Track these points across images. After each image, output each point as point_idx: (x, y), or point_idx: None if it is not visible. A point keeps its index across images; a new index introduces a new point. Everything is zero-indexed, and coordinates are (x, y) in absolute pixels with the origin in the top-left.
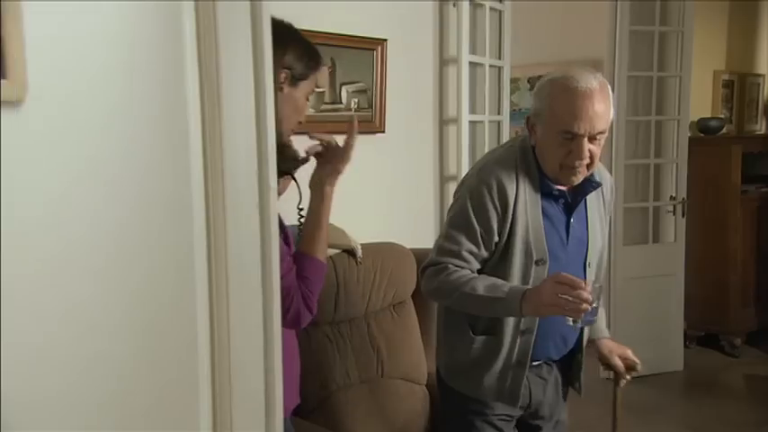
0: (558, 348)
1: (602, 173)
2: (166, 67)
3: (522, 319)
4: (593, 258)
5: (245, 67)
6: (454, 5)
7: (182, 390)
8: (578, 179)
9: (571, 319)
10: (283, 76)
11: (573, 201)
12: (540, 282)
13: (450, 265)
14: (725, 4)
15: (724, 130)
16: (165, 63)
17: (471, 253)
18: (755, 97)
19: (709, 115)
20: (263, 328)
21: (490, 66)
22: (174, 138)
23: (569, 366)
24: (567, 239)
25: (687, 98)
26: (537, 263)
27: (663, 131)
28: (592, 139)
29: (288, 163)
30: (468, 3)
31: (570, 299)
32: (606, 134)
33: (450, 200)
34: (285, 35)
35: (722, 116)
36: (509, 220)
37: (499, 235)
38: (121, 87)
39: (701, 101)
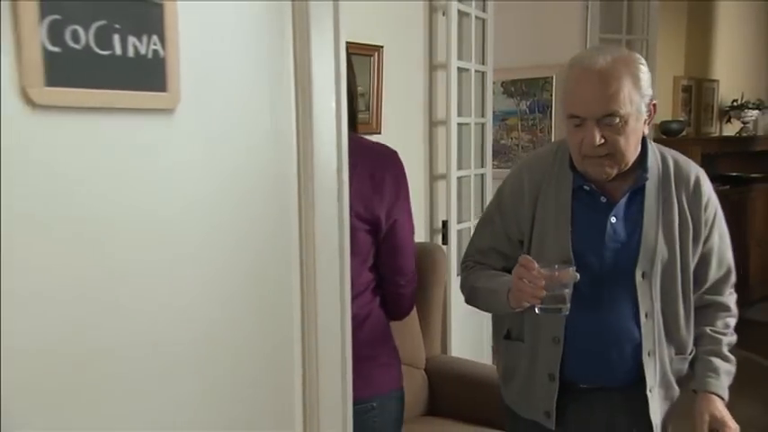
0: (599, 371)
1: (680, 171)
2: (274, 72)
3: (546, 325)
4: (648, 267)
5: (329, 66)
6: (443, 14)
7: (280, 375)
8: (607, 171)
9: (536, 307)
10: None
11: (617, 200)
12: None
13: (470, 261)
14: (683, 14)
15: (684, 133)
16: (275, 69)
17: (494, 249)
18: (711, 101)
19: (670, 118)
20: (340, 317)
21: (475, 71)
22: (280, 137)
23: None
24: (604, 242)
25: None
26: (562, 264)
27: None
28: (605, 124)
29: None
30: (456, 12)
31: (528, 282)
32: (635, 118)
33: (439, 197)
34: None
35: (682, 119)
36: (531, 219)
37: (523, 233)
38: (249, 93)
39: (662, 104)
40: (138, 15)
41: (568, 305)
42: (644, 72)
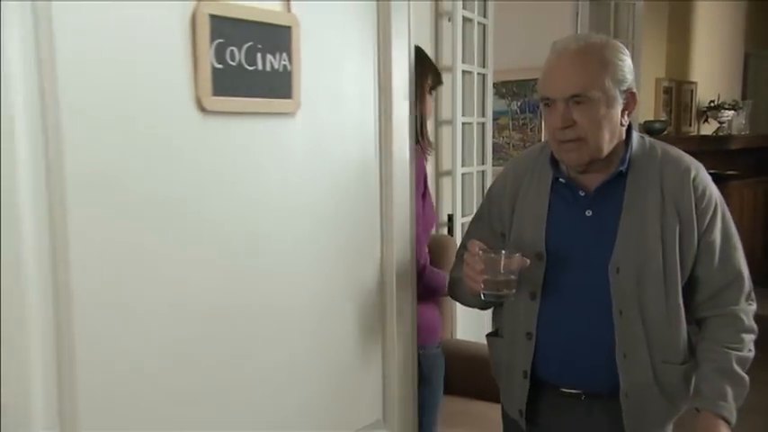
0: (573, 371)
1: (668, 164)
2: (362, 77)
3: (520, 321)
4: (623, 262)
5: (404, 69)
6: (449, 20)
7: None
8: (575, 157)
9: (481, 292)
10: (429, 82)
11: (591, 192)
12: (541, 278)
13: (457, 258)
14: (664, 18)
15: (665, 132)
16: (363, 74)
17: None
18: (689, 102)
19: (652, 118)
20: (411, 291)
21: (477, 73)
22: (366, 134)
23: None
24: (579, 235)
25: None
26: (536, 257)
27: None
28: (574, 103)
29: (426, 142)
30: (461, 17)
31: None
32: (605, 103)
33: (445, 193)
34: (426, 57)
35: (663, 119)
36: (511, 212)
37: (505, 226)
38: (343, 97)
39: (645, 105)
40: (272, 36)
41: (513, 291)
42: (620, 59)
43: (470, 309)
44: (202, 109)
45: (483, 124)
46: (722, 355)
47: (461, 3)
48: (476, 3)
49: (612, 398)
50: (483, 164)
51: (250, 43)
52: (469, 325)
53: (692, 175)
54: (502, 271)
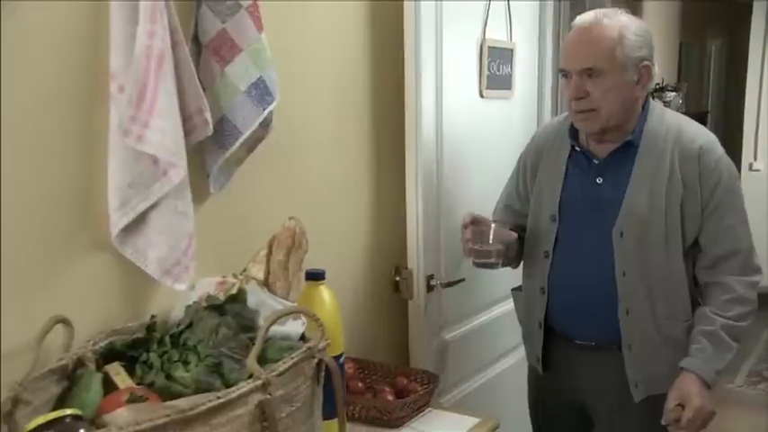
0: (581, 324)
1: (682, 137)
2: (534, 73)
3: (536, 277)
4: (627, 227)
5: (550, 71)
6: None
7: None
8: (588, 126)
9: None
10: None
11: (603, 160)
12: (553, 239)
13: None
14: None
15: None
16: (533, 72)
17: (509, 207)
18: None
19: None
20: None
21: None
22: (531, 115)
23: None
24: (589, 200)
25: None
26: (550, 218)
27: None
28: (587, 77)
29: None
30: None
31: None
32: (616, 74)
33: None
34: None
35: None
36: (534, 176)
37: (528, 189)
38: (529, 89)
39: None
40: (506, 55)
41: (500, 260)
42: (634, 34)
43: None
44: (482, 95)
45: None
46: (710, 320)
47: None
48: None
49: (618, 346)
50: None
51: (499, 60)
52: None
53: (702, 148)
54: (491, 241)
